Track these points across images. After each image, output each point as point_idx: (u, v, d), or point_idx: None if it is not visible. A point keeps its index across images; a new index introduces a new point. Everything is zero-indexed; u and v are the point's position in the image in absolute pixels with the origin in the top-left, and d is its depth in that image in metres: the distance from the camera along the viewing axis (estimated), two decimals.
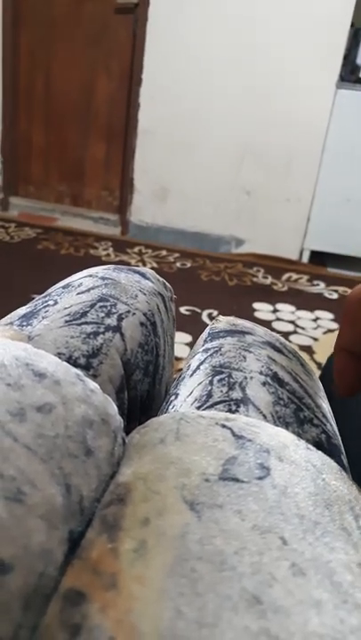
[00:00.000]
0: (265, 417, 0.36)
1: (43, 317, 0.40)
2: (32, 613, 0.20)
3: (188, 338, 1.76)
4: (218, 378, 0.39)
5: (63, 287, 0.46)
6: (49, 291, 0.47)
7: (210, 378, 0.39)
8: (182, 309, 1.98)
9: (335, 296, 2.33)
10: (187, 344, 1.71)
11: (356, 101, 2.38)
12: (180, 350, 1.64)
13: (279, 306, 2.16)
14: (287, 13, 2.33)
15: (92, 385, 0.31)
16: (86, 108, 2.78)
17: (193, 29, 2.44)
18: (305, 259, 2.66)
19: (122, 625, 0.18)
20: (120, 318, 0.42)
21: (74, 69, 2.72)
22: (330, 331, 1.99)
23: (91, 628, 0.19)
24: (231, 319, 0.50)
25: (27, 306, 0.44)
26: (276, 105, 2.47)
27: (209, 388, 0.38)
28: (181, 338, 1.74)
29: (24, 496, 0.22)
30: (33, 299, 0.46)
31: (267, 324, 1.97)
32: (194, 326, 1.85)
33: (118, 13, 2.57)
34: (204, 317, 1.96)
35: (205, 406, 0.36)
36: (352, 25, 2.36)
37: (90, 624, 0.19)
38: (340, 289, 2.42)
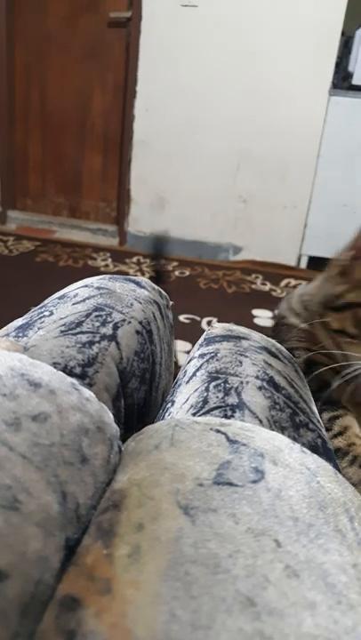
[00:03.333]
0: (261, 421, 0.36)
1: (38, 328, 0.40)
2: (29, 620, 0.20)
3: (188, 346, 1.76)
4: (214, 384, 0.39)
5: (59, 298, 0.46)
6: (45, 302, 0.47)
7: (206, 384, 0.40)
8: (181, 317, 1.99)
9: None
10: (186, 352, 1.72)
11: (349, 108, 2.40)
12: (180, 358, 1.64)
13: None
14: (279, 23, 2.36)
15: (88, 393, 0.32)
16: (82, 121, 2.80)
17: (185, 41, 2.46)
18: (303, 264, 2.67)
19: (117, 629, 0.19)
20: (115, 327, 0.42)
21: (69, 83, 2.75)
22: None
23: (86, 634, 0.19)
24: (227, 325, 0.50)
25: (23, 317, 0.44)
26: (270, 113, 2.49)
27: (205, 394, 0.38)
28: (181, 346, 1.74)
29: (20, 504, 0.22)
30: None
31: (266, 330, 1.97)
32: (193, 334, 1.85)
33: (111, 27, 2.60)
34: (204, 325, 1.96)
35: (201, 412, 0.36)
36: (343, 33, 2.38)
37: (85, 629, 0.19)
38: None
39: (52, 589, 0.21)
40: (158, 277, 1.06)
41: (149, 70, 2.54)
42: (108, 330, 0.41)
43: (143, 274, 2.46)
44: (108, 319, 0.42)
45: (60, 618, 0.20)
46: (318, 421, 0.40)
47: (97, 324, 0.41)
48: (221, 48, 2.44)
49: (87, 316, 0.42)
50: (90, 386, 0.36)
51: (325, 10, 2.30)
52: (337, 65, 2.43)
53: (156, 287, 0.54)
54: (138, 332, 0.44)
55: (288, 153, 2.53)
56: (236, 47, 2.43)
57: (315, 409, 0.42)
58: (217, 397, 0.37)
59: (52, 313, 0.42)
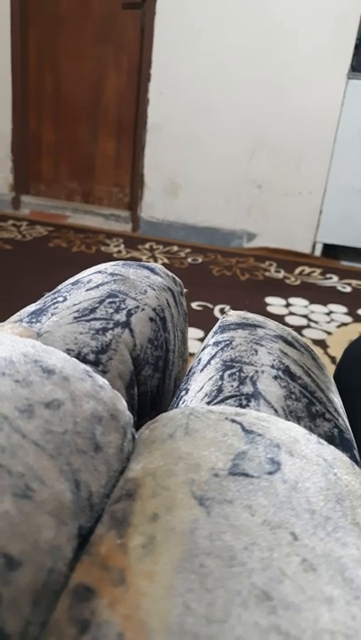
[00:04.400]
0: (276, 411, 0.35)
1: (52, 314, 0.40)
2: (41, 609, 0.20)
3: (200, 333, 1.75)
4: (229, 372, 0.39)
5: (72, 284, 0.46)
6: (58, 287, 0.47)
7: (220, 372, 0.39)
8: (194, 305, 1.98)
9: (349, 289, 2.31)
10: (199, 339, 1.71)
11: None
12: (192, 346, 1.64)
13: (292, 300, 2.14)
14: (296, 4, 2.31)
15: (101, 381, 0.31)
16: (95, 105, 2.78)
17: (201, 23, 2.42)
18: (318, 252, 2.64)
19: (130, 620, 0.18)
20: (129, 314, 0.41)
21: (82, 66, 2.72)
22: (344, 324, 1.98)
23: (99, 624, 0.19)
24: (242, 313, 0.49)
25: (36, 303, 0.44)
26: (286, 97, 2.45)
27: (220, 382, 0.38)
28: (193, 333, 1.74)
29: (32, 492, 0.22)
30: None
31: (280, 318, 1.96)
32: (206, 322, 1.85)
33: (126, 8, 2.56)
34: (216, 313, 1.96)
35: (216, 401, 0.36)
36: None
37: (99, 619, 0.19)
38: (354, 282, 2.40)
39: (65, 578, 0.21)
40: None
41: (164, 53, 2.51)
42: (121, 317, 0.41)
43: (156, 260, 2.46)
44: (122, 306, 0.42)
45: (73, 607, 0.19)
46: (335, 411, 0.39)
47: (110, 310, 0.41)
48: (237, 30, 2.40)
49: (101, 302, 0.41)
50: (103, 373, 0.36)
51: None
52: (356, 47, 2.38)
53: (170, 274, 0.54)
54: (151, 320, 0.43)
55: (304, 138, 2.49)
56: (252, 29, 2.38)
57: (333, 397, 0.41)
58: (232, 386, 0.37)
59: (65, 299, 0.42)
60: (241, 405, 0.35)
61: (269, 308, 2.04)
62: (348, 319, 2.03)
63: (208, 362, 0.41)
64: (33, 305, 0.43)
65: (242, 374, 0.38)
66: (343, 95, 2.39)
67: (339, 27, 2.30)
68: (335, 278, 2.42)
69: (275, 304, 2.09)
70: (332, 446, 0.30)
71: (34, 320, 0.39)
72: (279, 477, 0.25)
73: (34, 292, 1.99)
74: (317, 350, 1.74)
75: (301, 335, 1.85)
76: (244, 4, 2.35)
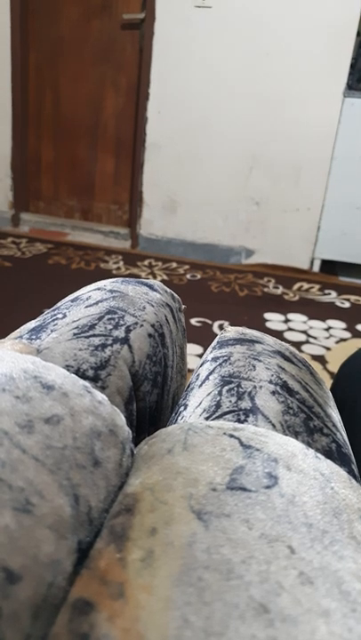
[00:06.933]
0: (274, 426, 0.36)
1: (52, 330, 0.40)
2: (41, 623, 0.20)
3: (199, 349, 1.75)
4: (227, 388, 0.39)
5: (72, 301, 0.46)
6: (58, 304, 0.47)
7: (219, 388, 0.39)
8: (193, 321, 1.99)
9: (347, 305, 2.32)
10: (197, 355, 1.71)
11: None
12: (191, 362, 1.64)
13: (291, 316, 2.15)
14: (293, 23, 2.36)
15: (100, 396, 0.32)
16: (95, 124, 2.82)
17: (199, 42, 2.47)
18: (316, 268, 2.66)
19: (129, 634, 0.18)
20: (128, 330, 0.42)
21: (82, 86, 2.77)
22: (342, 340, 1.98)
23: (99, 638, 0.19)
24: (240, 329, 0.50)
25: (36, 319, 0.44)
26: (283, 115, 2.49)
27: (218, 398, 0.38)
28: (192, 349, 1.74)
29: (32, 507, 0.22)
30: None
31: (278, 334, 1.96)
32: (205, 338, 1.85)
33: (125, 29, 2.61)
34: (215, 329, 1.96)
35: (214, 417, 0.36)
36: (358, 34, 2.37)
37: (98, 633, 0.19)
38: (353, 298, 2.41)
39: (65, 592, 0.21)
40: None
41: (162, 72, 2.55)
42: (120, 333, 0.41)
43: (155, 277, 2.47)
44: (121, 322, 0.42)
45: (72, 621, 0.20)
46: (333, 425, 0.40)
47: (109, 326, 0.41)
48: (235, 49, 2.44)
49: (100, 318, 0.42)
50: (102, 389, 0.37)
51: (340, 10, 2.30)
52: (352, 66, 2.42)
53: (168, 290, 0.54)
54: (150, 335, 0.44)
55: (301, 155, 2.53)
56: (249, 48, 2.43)
57: (331, 412, 0.42)
58: (230, 402, 0.37)
59: (65, 315, 0.43)
60: (239, 420, 0.35)
61: (268, 324, 2.05)
62: (346, 335, 2.03)
63: (206, 377, 0.42)
64: (33, 322, 0.44)
65: (240, 390, 0.39)
66: (340, 113, 2.42)
67: (334, 46, 2.35)
68: (334, 294, 2.43)
69: (274, 320, 2.10)
70: (329, 460, 0.30)
71: (34, 337, 0.40)
72: (277, 491, 0.25)
73: (33, 309, 1.99)
74: (317, 366, 1.74)
75: (300, 351, 1.85)
76: (240, 23, 2.40)
